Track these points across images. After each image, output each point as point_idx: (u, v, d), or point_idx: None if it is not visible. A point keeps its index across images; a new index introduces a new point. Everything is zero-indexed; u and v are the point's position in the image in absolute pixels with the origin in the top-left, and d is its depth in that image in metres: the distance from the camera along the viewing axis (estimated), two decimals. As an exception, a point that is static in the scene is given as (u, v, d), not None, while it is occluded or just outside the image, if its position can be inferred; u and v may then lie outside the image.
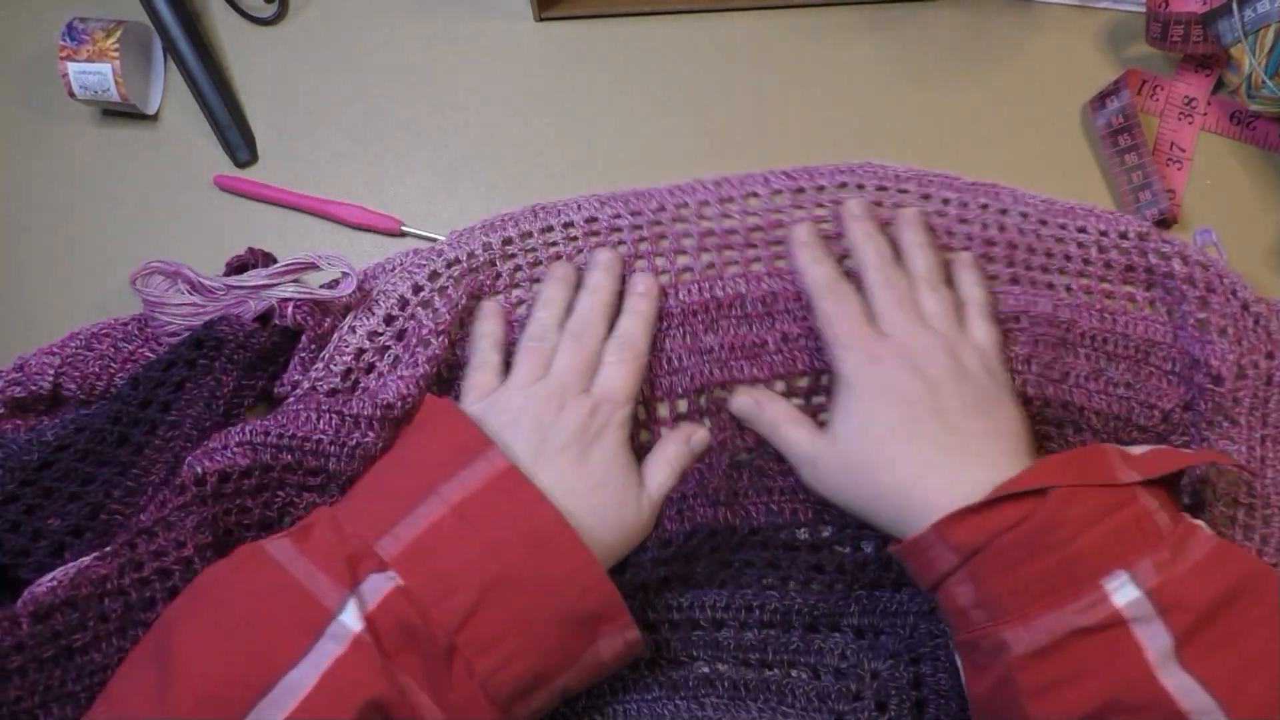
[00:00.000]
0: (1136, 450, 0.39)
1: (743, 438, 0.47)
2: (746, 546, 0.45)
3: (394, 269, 0.49)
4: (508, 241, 0.49)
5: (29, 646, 0.35)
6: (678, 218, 0.49)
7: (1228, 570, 0.35)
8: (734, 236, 0.49)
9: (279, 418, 0.42)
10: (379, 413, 0.42)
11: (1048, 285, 0.48)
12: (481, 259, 0.48)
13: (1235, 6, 0.46)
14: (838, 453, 0.42)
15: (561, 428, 0.42)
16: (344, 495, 0.42)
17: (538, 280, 0.49)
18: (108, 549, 0.38)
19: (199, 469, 0.39)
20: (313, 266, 0.46)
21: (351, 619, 0.35)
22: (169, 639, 0.35)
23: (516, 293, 0.49)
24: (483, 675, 0.36)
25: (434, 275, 0.46)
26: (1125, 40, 0.53)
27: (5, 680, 0.35)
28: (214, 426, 0.44)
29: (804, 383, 0.48)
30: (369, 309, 0.46)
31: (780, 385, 0.48)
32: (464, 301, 0.47)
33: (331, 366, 0.45)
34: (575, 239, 0.49)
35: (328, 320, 0.46)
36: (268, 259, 0.48)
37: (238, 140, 0.54)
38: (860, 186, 0.49)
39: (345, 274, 0.46)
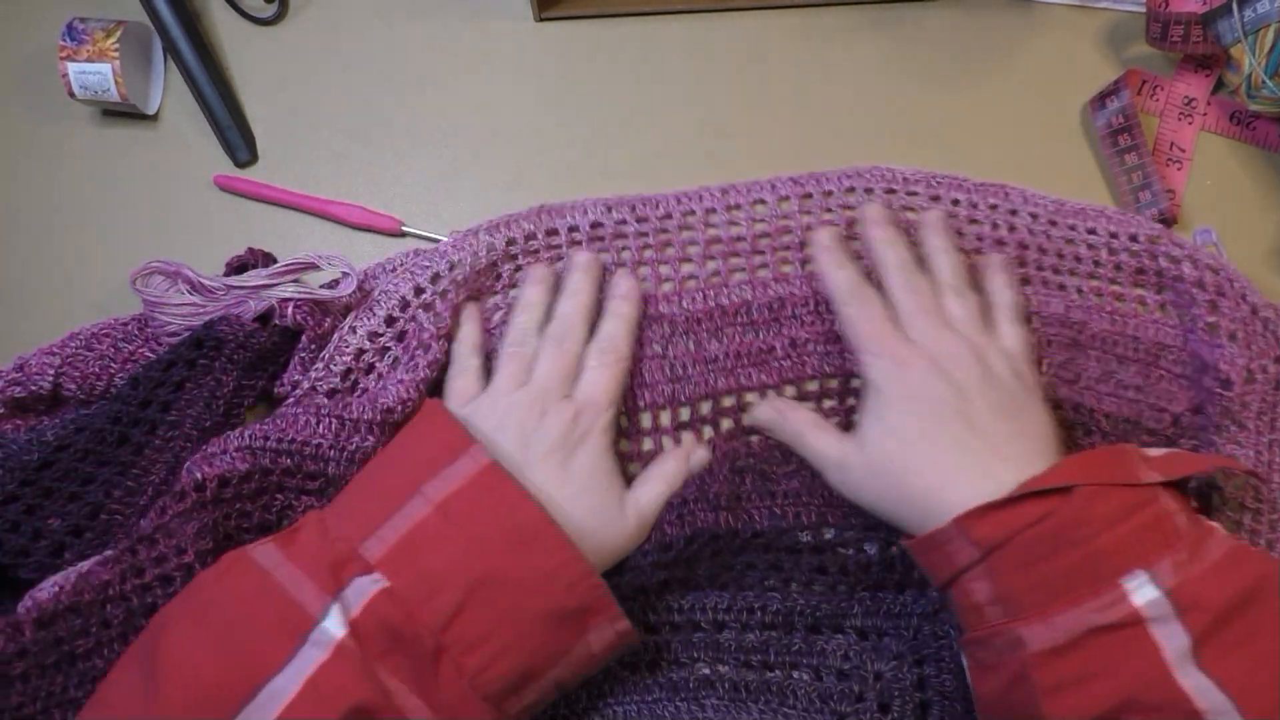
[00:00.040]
0: (1154, 452, 0.39)
1: (748, 444, 0.47)
2: (749, 550, 0.44)
3: (395, 269, 0.49)
4: (511, 243, 0.48)
5: (32, 653, 0.35)
6: (684, 225, 0.49)
7: (1244, 571, 0.35)
8: (740, 244, 0.49)
9: (278, 422, 0.42)
10: (379, 417, 0.42)
11: (1059, 286, 0.48)
12: (484, 261, 0.47)
13: (1235, 6, 0.46)
14: (866, 456, 0.42)
15: (544, 435, 0.42)
16: (335, 498, 0.42)
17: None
18: (109, 554, 0.38)
19: (198, 475, 0.39)
20: (313, 266, 0.46)
21: (335, 625, 0.35)
22: (157, 644, 0.35)
23: (514, 293, 0.49)
24: (471, 674, 0.36)
25: (436, 277, 0.46)
26: (1125, 40, 0.53)
27: (8, 686, 0.35)
28: (214, 426, 0.44)
29: (813, 386, 0.47)
30: (370, 309, 0.46)
31: (790, 390, 0.48)
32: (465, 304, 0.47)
33: (331, 367, 0.45)
34: (579, 243, 0.49)
35: (328, 320, 0.46)
36: (268, 259, 0.48)
37: (238, 140, 0.54)
38: (868, 190, 0.49)
39: (345, 274, 0.46)
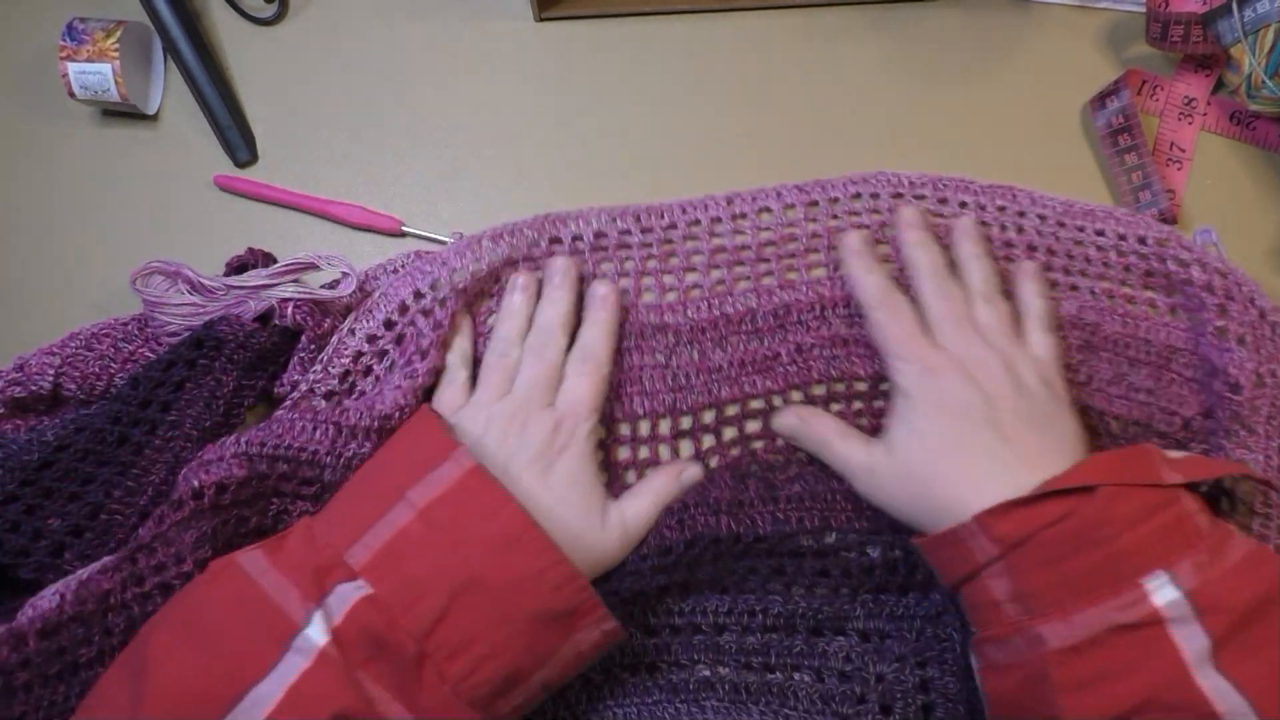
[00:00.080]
0: (1173, 454, 0.39)
1: (752, 454, 0.47)
2: (751, 554, 0.44)
3: (396, 269, 0.49)
4: (514, 250, 0.48)
5: (35, 663, 0.35)
6: (688, 235, 0.49)
7: (1263, 574, 0.35)
8: (745, 252, 0.49)
9: (274, 428, 0.42)
10: (376, 424, 0.43)
11: (1071, 288, 0.48)
12: (485, 268, 0.47)
13: (1235, 6, 0.46)
14: (894, 462, 0.42)
15: (525, 445, 0.42)
16: (325, 503, 0.42)
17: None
18: (108, 562, 0.37)
19: (195, 483, 0.39)
20: (313, 267, 0.46)
21: (317, 632, 0.35)
22: (144, 650, 0.35)
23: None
24: (454, 680, 0.36)
25: (436, 283, 0.46)
26: (1125, 40, 0.53)
27: (11, 696, 0.35)
28: (214, 426, 0.44)
29: (820, 390, 0.48)
30: (369, 312, 0.46)
31: (797, 395, 0.48)
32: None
33: (329, 369, 0.45)
34: (582, 252, 0.49)
35: (327, 320, 0.46)
36: (268, 259, 0.48)
37: (238, 140, 0.54)
38: (874, 196, 0.49)
39: (345, 274, 0.46)
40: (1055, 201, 0.48)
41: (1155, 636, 0.34)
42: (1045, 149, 0.52)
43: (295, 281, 0.46)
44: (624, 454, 0.48)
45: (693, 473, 0.45)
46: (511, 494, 0.38)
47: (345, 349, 0.45)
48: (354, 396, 0.45)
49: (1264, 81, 0.46)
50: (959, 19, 0.54)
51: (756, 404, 0.48)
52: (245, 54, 0.56)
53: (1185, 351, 0.46)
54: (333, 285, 0.48)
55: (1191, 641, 0.34)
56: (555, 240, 0.48)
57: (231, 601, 0.36)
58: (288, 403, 0.45)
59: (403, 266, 0.49)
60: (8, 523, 0.40)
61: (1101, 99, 0.51)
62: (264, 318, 0.46)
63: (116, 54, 0.51)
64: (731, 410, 0.48)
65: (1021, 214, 0.48)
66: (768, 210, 0.49)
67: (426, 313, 0.45)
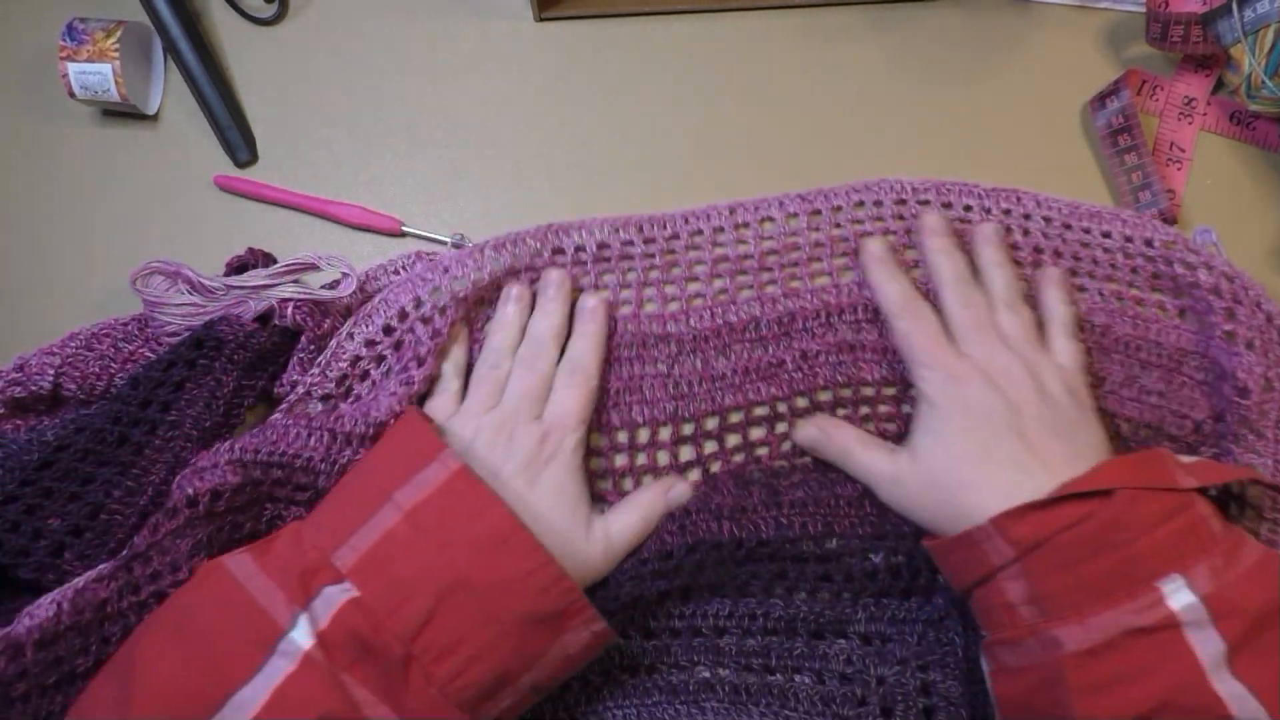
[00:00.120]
0: (1186, 459, 0.39)
1: (755, 458, 0.47)
2: (753, 559, 0.44)
3: (397, 270, 0.49)
4: (516, 260, 0.48)
5: (33, 673, 0.35)
6: (691, 244, 0.49)
7: (1276, 580, 0.35)
8: (748, 261, 0.49)
9: (268, 434, 0.42)
10: (370, 431, 0.43)
11: (1079, 289, 0.47)
12: (486, 278, 0.47)
13: (1235, 6, 0.46)
14: (918, 470, 0.42)
15: (512, 455, 0.42)
16: (314, 506, 0.42)
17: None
18: (104, 570, 0.37)
19: (190, 490, 0.39)
20: (313, 267, 0.46)
21: (302, 635, 0.35)
22: (132, 654, 0.36)
23: None
24: (441, 682, 0.36)
25: (436, 291, 0.46)
26: (1125, 40, 0.53)
27: (8, 707, 0.35)
28: (214, 426, 0.44)
29: (826, 396, 0.48)
30: (368, 317, 0.46)
31: (802, 401, 0.48)
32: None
33: (328, 373, 0.45)
34: (584, 263, 0.49)
35: (327, 321, 0.46)
36: (268, 259, 0.48)
37: (238, 140, 0.54)
38: (877, 204, 0.49)
39: (345, 275, 0.46)
40: (1060, 203, 0.48)
41: (1171, 640, 0.34)
42: (1045, 149, 0.52)
43: (295, 282, 0.46)
44: (621, 460, 0.48)
45: (680, 490, 0.45)
46: (499, 495, 0.38)
47: (343, 353, 0.45)
48: (350, 401, 0.45)
49: (1264, 81, 0.46)
50: (959, 19, 0.54)
51: (761, 410, 0.48)
52: (245, 54, 0.56)
53: (1196, 354, 0.46)
54: (333, 285, 0.48)
55: (1207, 646, 0.34)
56: (558, 250, 0.48)
57: (218, 605, 0.36)
58: (283, 406, 0.45)
59: (404, 268, 0.49)
60: (7, 523, 0.40)
61: (1101, 99, 0.51)
62: (264, 318, 0.46)
63: (116, 54, 0.51)
64: (735, 417, 0.48)
65: (1027, 216, 0.48)
66: (770, 219, 0.49)
67: (426, 320, 0.45)
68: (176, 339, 0.46)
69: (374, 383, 0.46)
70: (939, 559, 0.41)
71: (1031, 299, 0.47)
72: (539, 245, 0.48)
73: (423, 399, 0.46)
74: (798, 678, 0.43)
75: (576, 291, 0.48)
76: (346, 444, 0.43)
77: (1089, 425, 0.42)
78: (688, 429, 0.48)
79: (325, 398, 0.45)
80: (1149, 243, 0.47)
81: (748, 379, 0.47)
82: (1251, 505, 0.41)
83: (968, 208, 0.48)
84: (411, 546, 0.37)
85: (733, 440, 0.48)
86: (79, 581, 0.37)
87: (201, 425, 0.44)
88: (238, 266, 0.48)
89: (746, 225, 0.49)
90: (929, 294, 0.47)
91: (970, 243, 0.47)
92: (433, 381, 0.46)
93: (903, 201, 0.49)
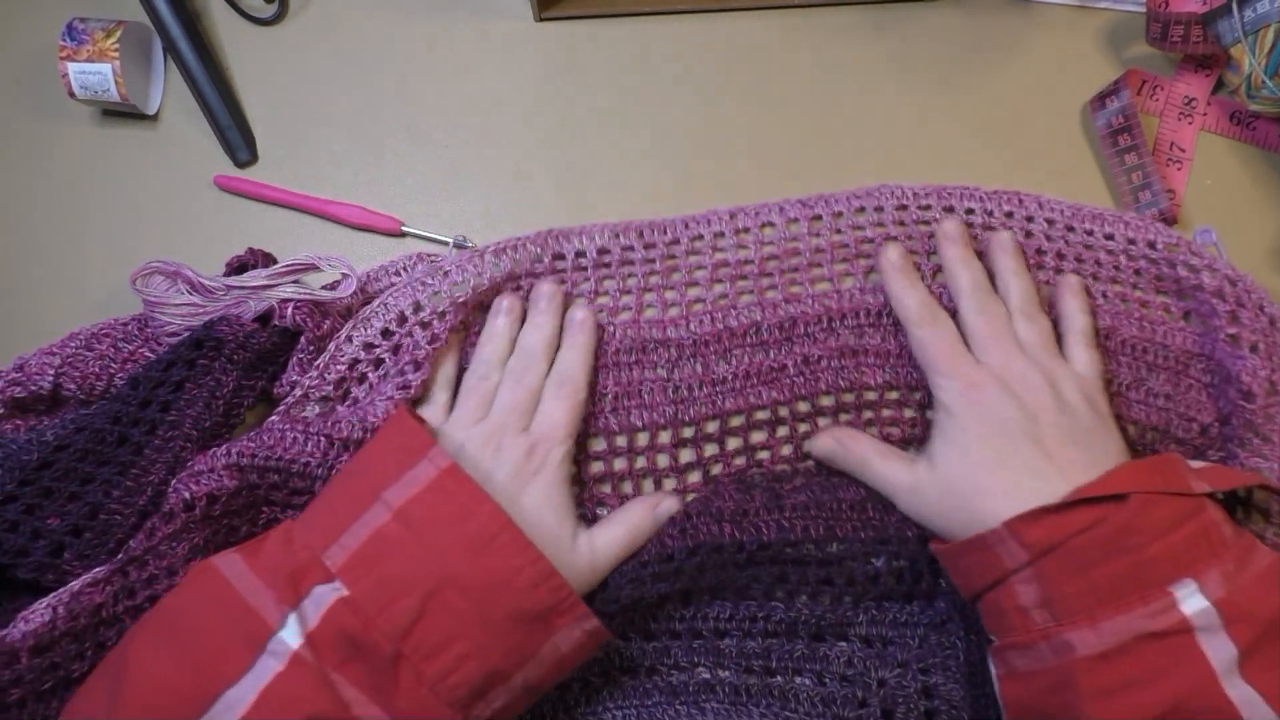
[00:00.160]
0: (1196, 464, 0.39)
1: (756, 462, 0.47)
2: (755, 562, 0.44)
3: (398, 270, 0.49)
4: (516, 265, 0.48)
5: (28, 680, 0.35)
6: (691, 249, 0.49)
7: None
8: (748, 266, 0.49)
9: (264, 438, 0.42)
10: (367, 435, 0.43)
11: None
12: (486, 283, 0.47)
13: (1235, 6, 0.46)
14: (937, 479, 0.42)
15: (498, 468, 0.42)
16: (306, 506, 0.42)
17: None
18: (99, 575, 0.38)
19: (187, 494, 0.39)
20: (313, 268, 0.46)
21: (291, 634, 0.35)
22: (124, 653, 0.36)
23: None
24: (431, 680, 0.36)
25: (436, 295, 0.46)
26: (1125, 40, 0.53)
27: (4, 713, 0.35)
28: (214, 426, 0.44)
29: (828, 401, 0.48)
30: (367, 320, 0.46)
31: (804, 405, 0.48)
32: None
33: (325, 376, 0.45)
34: (585, 268, 0.49)
35: (327, 322, 0.46)
36: (268, 259, 0.48)
37: (238, 140, 0.54)
38: (878, 209, 0.49)
39: (345, 275, 0.46)
40: (1062, 205, 0.48)
41: (1183, 645, 0.34)
42: (1045, 149, 0.52)
43: (295, 282, 0.46)
44: (620, 464, 0.48)
45: (668, 506, 0.45)
46: (488, 493, 0.38)
47: (341, 356, 0.45)
48: (347, 404, 0.45)
49: (1264, 81, 0.46)
50: (959, 19, 0.54)
51: (762, 414, 0.48)
52: (245, 54, 0.56)
53: (1201, 357, 0.46)
54: (333, 286, 0.48)
55: (1219, 651, 0.34)
56: (558, 256, 0.48)
57: (208, 604, 0.36)
58: (281, 408, 0.45)
59: (405, 269, 0.49)
60: (7, 522, 0.40)
61: (1101, 99, 0.51)
62: (264, 318, 0.46)
63: (116, 54, 0.51)
64: (736, 420, 0.48)
65: (1030, 219, 0.48)
66: (770, 224, 0.49)
67: (425, 325, 0.45)
68: (176, 339, 0.46)
69: (371, 386, 0.46)
70: (947, 563, 0.41)
71: (1047, 305, 0.47)
72: (539, 250, 0.48)
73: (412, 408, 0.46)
74: (798, 679, 0.43)
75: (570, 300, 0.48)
76: (343, 449, 0.43)
77: (1108, 434, 0.42)
78: (688, 432, 0.48)
79: (323, 400, 0.45)
80: (1152, 245, 0.47)
81: (748, 383, 0.47)
82: (1258, 509, 0.41)
83: (969, 211, 0.48)
84: (401, 545, 0.37)
85: (733, 443, 0.48)
86: (74, 585, 0.37)
87: (201, 425, 0.44)
88: (238, 267, 0.48)
89: (747, 230, 0.49)
90: (944, 300, 0.46)
91: (986, 251, 0.47)
92: (427, 389, 0.46)
93: (904, 207, 0.48)
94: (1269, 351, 0.44)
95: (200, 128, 0.54)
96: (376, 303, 0.46)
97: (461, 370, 0.47)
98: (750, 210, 0.49)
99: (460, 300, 0.46)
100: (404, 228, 0.52)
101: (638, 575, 0.42)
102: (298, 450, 0.42)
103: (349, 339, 0.46)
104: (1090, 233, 0.48)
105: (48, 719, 0.36)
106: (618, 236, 0.48)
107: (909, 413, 0.48)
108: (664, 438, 0.48)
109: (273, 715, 0.33)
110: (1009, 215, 0.48)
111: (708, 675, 0.43)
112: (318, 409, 0.45)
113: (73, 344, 0.47)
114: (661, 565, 0.42)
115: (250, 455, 0.41)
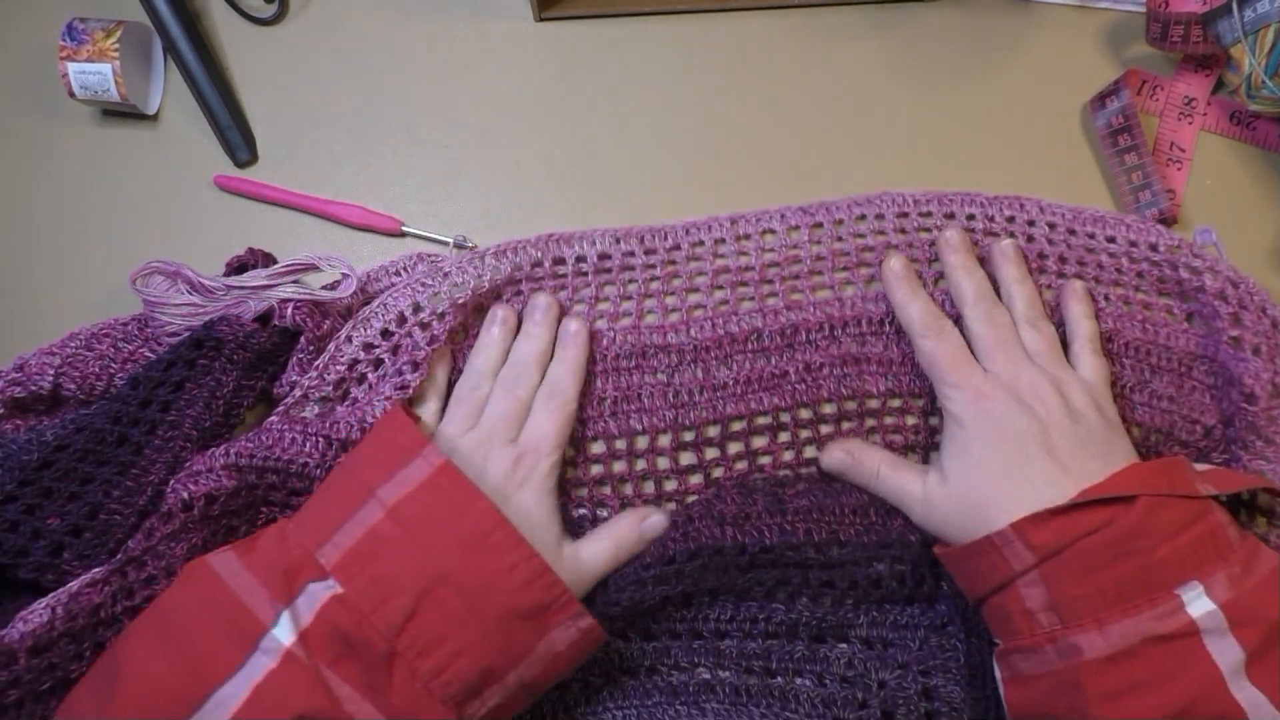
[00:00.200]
0: (1200, 467, 0.39)
1: (758, 467, 0.47)
2: (756, 565, 0.44)
3: (399, 271, 0.49)
4: (516, 268, 0.48)
5: (26, 680, 0.36)
6: (692, 256, 0.49)
7: None
8: (749, 273, 0.49)
9: (263, 438, 0.42)
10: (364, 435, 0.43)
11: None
12: (486, 285, 0.47)
13: (1235, 6, 0.46)
14: (949, 491, 0.42)
15: (485, 479, 0.42)
16: (301, 505, 0.42)
17: None
18: (97, 575, 0.38)
19: (185, 494, 0.39)
20: (313, 268, 0.46)
21: (284, 632, 0.35)
22: (118, 651, 0.36)
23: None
24: (425, 677, 0.36)
25: (435, 296, 0.46)
26: (1125, 40, 0.53)
27: (2, 714, 0.35)
28: (214, 426, 0.44)
29: (830, 409, 0.48)
30: (366, 321, 0.46)
31: (805, 412, 0.48)
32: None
33: (325, 376, 0.45)
34: (585, 274, 0.49)
35: (327, 322, 0.46)
36: (268, 259, 0.48)
37: (238, 140, 0.54)
38: (879, 216, 0.49)
39: (345, 275, 0.46)
40: (1064, 209, 0.48)
41: (1190, 648, 0.34)
42: (1045, 149, 0.52)
43: (295, 282, 0.46)
44: (620, 466, 0.48)
45: (655, 521, 0.44)
46: (481, 490, 0.38)
47: (340, 356, 0.45)
48: (345, 406, 0.45)
49: (1264, 81, 0.46)
50: (959, 19, 0.54)
51: (763, 420, 0.48)
52: (245, 54, 0.56)
53: (1204, 359, 0.46)
54: (333, 286, 0.48)
55: (1225, 653, 0.34)
56: (559, 260, 0.48)
57: (201, 602, 0.36)
58: (280, 408, 0.45)
59: (405, 269, 0.49)
60: (7, 522, 0.40)
61: (1101, 99, 0.51)
62: (264, 318, 0.46)
63: (116, 54, 0.51)
64: (737, 425, 0.48)
65: (1031, 223, 0.48)
66: (771, 231, 0.49)
67: (424, 326, 0.46)
68: (176, 339, 0.46)
69: (370, 386, 0.46)
70: (952, 567, 0.41)
71: (1051, 311, 0.47)
72: (540, 254, 0.48)
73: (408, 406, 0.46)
74: (799, 680, 0.43)
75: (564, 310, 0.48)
76: (341, 449, 0.43)
77: (1118, 440, 0.42)
78: (688, 436, 0.48)
79: (322, 400, 0.45)
80: (1153, 247, 0.47)
81: (750, 389, 0.47)
82: (1261, 511, 0.41)
83: (970, 217, 0.48)
84: (394, 542, 0.37)
85: (734, 448, 0.48)
86: (73, 586, 0.37)
87: (201, 425, 0.44)
88: (238, 267, 0.48)
89: (748, 237, 0.49)
90: (946, 306, 0.46)
91: (989, 258, 0.47)
92: (418, 396, 0.46)
93: (904, 214, 0.48)
94: (1271, 354, 0.44)
95: (200, 128, 0.54)
96: (376, 303, 0.46)
97: (450, 384, 0.47)
98: (751, 217, 0.49)
99: (460, 301, 0.46)
100: (404, 228, 0.52)
101: (639, 577, 0.42)
102: (296, 450, 0.42)
103: (348, 339, 0.46)
104: (1092, 236, 0.47)
105: (46, 719, 0.36)
106: (619, 242, 0.49)
107: (911, 420, 0.48)
108: (664, 441, 0.48)
109: (264, 713, 0.33)
110: (1010, 220, 0.48)
111: (708, 676, 0.43)
112: (317, 409, 0.45)
113: (73, 344, 0.47)
114: (663, 567, 0.42)
115: (249, 455, 0.41)
